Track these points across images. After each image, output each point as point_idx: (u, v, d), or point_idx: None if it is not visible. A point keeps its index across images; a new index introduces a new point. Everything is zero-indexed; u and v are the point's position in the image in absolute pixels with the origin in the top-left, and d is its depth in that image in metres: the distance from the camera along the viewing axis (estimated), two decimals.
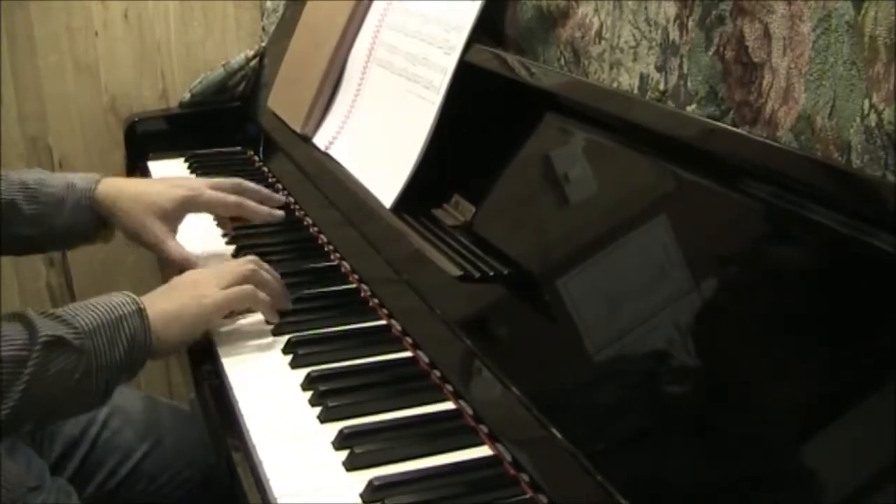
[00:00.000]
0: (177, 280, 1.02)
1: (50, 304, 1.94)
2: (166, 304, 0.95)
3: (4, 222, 1.14)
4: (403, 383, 0.91)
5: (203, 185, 1.21)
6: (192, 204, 1.19)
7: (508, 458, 0.78)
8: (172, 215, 1.17)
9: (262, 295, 1.01)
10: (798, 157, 0.70)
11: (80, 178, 1.18)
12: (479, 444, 0.81)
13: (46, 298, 1.96)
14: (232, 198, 1.20)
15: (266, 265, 1.05)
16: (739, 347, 0.67)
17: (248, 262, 1.04)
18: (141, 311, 0.92)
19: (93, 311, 0.89)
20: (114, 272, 1.93)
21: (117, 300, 0.92)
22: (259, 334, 1.01)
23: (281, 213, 1.25)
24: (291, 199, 1.41)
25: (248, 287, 1.00)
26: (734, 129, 0.81)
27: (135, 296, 0.94)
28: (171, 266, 1.15)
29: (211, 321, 1.00)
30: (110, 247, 1.29)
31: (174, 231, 1.18)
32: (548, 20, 1.14)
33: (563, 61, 1.11)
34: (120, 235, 1.23)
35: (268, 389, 0.91)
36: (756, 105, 0.82)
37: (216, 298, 0.98)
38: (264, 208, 1.24)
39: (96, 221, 1.18)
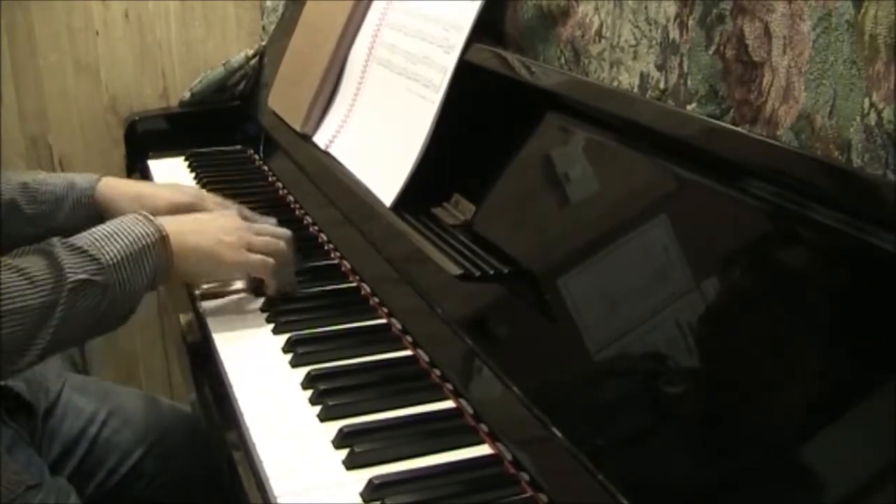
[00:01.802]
0: (209, 219, 1.04)
1: None
2: (193, 239, 0.98)
3: (5, 222, 1.14)
4: (403, 382, 0.91)
5: (206, 197, 1.21)
6: (192, 211, 1.18)
7: (508, 457, 0.78)
8: None
9: (276, 272, 1.04)
10: (798, 155, 0.70)
11: (80, 178, 1.18)
12: (479, 443, 0.81)
13: None
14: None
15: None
16: (739, 347, 0.67)
17: (281, 240, 1.05)
18: (164, 240, 0.95)
19: (118, 242, 0.92)
20: None
21: (141, 230, 0.94)
22: (259, 333, 1.01)
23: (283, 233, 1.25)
24: (291, 198, 1.41)
25: (270, 261, 1.03)
26: (734, 127, 0.80)
27: (159, 223, 0.95)
28: None
29: (228, 273, 1.04)
30: None
31: None
32: (548, 19, 1.14)
33: (563, 60, 1.11)
34: None
35: (268, 388, 0.91)
36: (756, 104, 0.82)
37: (240, 258, 1.01)
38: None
39: (96, 221, 1.17)
